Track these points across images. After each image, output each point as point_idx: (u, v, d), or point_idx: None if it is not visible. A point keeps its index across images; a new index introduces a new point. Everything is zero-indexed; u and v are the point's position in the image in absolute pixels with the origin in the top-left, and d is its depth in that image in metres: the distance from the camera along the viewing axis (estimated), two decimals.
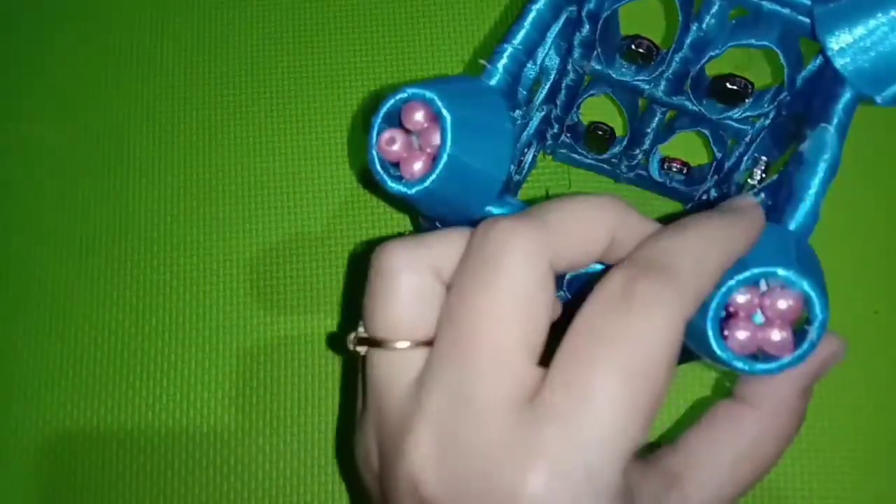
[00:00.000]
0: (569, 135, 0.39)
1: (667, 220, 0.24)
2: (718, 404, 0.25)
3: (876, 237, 0.42)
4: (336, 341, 0.42)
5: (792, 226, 0.25)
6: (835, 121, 0.26)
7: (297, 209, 0.44)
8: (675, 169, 0.39)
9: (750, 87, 0.32)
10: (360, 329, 0.24)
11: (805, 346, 0.22)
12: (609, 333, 0.21)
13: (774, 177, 0.29)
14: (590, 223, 0.23)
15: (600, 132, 0.39)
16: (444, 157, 0.23)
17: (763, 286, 0.22)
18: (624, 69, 0.34)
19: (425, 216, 0.28)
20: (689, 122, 0.35)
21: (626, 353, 0.20)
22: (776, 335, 0.22)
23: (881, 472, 0.39)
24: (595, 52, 0.33)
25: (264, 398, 0.41)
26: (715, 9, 0.30)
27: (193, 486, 0.40)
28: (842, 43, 0.26)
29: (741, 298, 0.22)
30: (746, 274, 0.22)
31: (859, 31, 0.25)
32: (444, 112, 0.23)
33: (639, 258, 0.22)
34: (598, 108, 0.40)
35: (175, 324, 0.42)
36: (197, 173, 0.45)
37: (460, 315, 0.22)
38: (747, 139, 0.34)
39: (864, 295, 0.41)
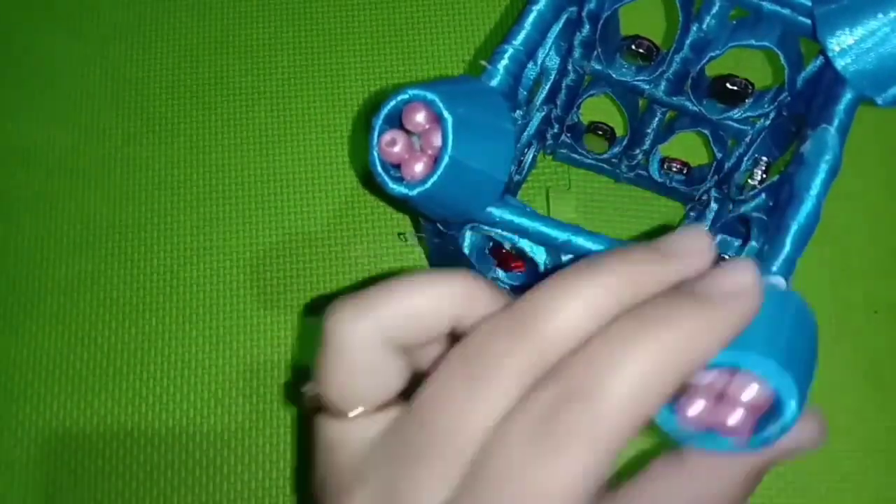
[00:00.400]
0: (569, 135, 0.39)
1: (661, 231, 0.23)
2: (659, 461, 0.22)
3: (876, 237, 0.42)
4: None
5: (793, 226, 0.25)
6: (836, 121, 0.26)
7: (298, 209, 0.44)
8: (674, 169, 0.39)
9: (750, 87, 0.32)
10: (313, 387, 0.23)
11: (758, 440, 0.19)
12: (519, 468, 0.18)
13: (775, 178, 0.28)
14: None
15: (600, 132, 0.39)
16: (446, 159, 0.23)
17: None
18: (624, 69, 0.34)
19: (426, 217, 0.28)
20: (689, 122, 0.35)
21: (537, 492, 0.18)
22: (732, 419, 0.19)
23: (881, 472, 0.39)
24: (595, 53, 0.33)
25: (264, 398, 0.41)
26: (715, 9, 0.30)
27: (193, 485, 0.40)
28: (843, 44, 0.25)
29: (706, 379, 0.19)
30: (720, 359, 0.19)
31: (860, 32, 0.25)
32: (446, 113, 0.23)
33: (572, 373, 0.18)
34: (598, 108, 0.40)
35: (175, 324, 0.42)
36: (197, 173, 0.44)
37: (423, 418, 0.20)
38: (747, 139, 0.34)
39: (864, 295, 0.41)
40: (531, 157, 0.39)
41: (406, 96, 0.23)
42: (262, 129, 0.45)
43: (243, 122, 0.45)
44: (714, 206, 0.37)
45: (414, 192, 0.23)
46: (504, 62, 0.26)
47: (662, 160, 0.39)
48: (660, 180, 0.40)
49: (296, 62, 0.46)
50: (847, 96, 0.26)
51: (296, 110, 0.45)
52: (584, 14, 0.31)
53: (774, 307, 0.20)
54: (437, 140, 0.23)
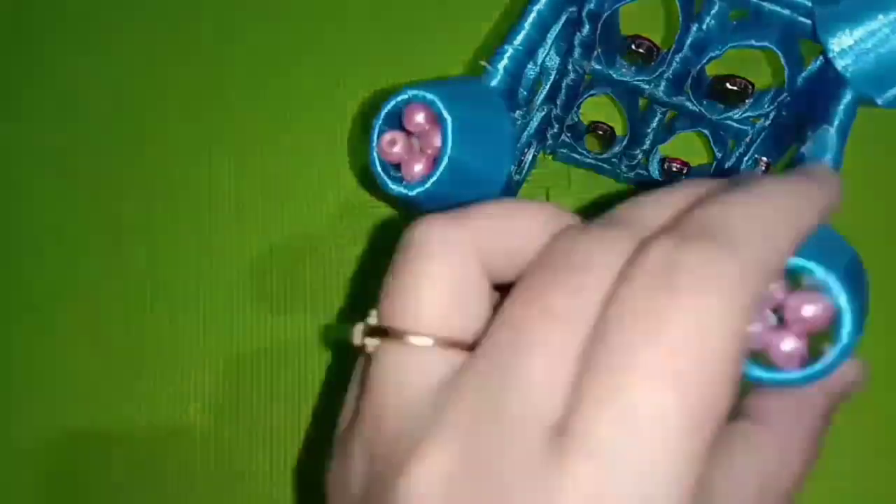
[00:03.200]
0: (569, 134, 0.39)
1: None
2: (729, 427, 0.21)
3: (876, 237, 0.42)
4: (331, 334, 0.41)
5: None
6: (836, 122, 0.26)
7: (297, 211, 0.43)
8: (675, 169, 0.39)
9: (750, 87, 0.32)
10: (372, 317, 0.20)
11: (818, 366, 0.19)
12: (648, 325, 0.16)
13: None
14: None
15: (600, 132, 0.39)
16: (445, 159, 0.23)
17: (794, 282, 0.19)
18: (624, 69, 0.34)
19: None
20: (689, 122, 0.35)
21: (673, 351, 0.16)
22: (788, 344, 0.18)
23: (882, 472, 0.39)
24: (595, 53, 0.33)
25: (264, 398, 0.41)
26: (715, 10, 0.30)
27: (194, 485, 0.40)
28: (843, 44, 0.26)
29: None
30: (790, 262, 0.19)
31: (860, 32, 0.25)
32: (445, 114, 0.23)
33: (685, 223, 0.17)
34: (598, 108, 0.40)
35: (175, 324, 0.42)
36: (197, 175, 0.44)
37: (517, 319, 0.18)
38: (747, 139, 0.34)
39: None
40: (531, 157, 0.39)
41: (406, 97, 0.24)
42: (261, 129, 0.45)
43: (243, 122, 0.45)
44: None
45: (413, 193, 0.23)
46: (504, 62, 0.27)
47: (662, 160, 0.39)
48: (660, 180, 0.40)
49: (295, 63, 0.46)
50: (847, 97, 0.26)
51: (295, 111, 0.45)
52: (584, 14, 0.31)
53: (834, 236, 0.21)
54: (436, 140, 0.23)
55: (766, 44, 0.28)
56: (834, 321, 0.19)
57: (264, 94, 0.46)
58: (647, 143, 0.37)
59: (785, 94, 0.31)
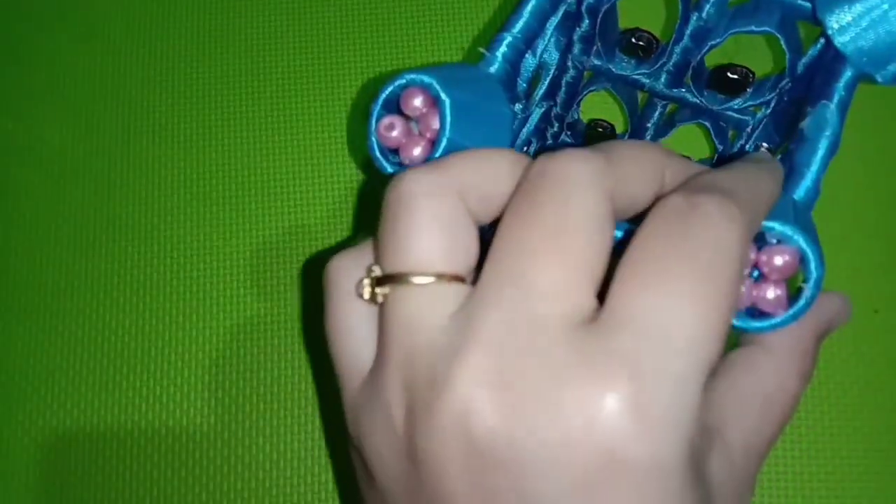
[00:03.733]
0: (569, 132, 0.39)
1: None
2: (731, 354, 0.24)
3: (876, 236, 0.42)
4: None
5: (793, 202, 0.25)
6: (835, 98, 0.26)
7: (298, 205, 0.43)
8: None
9: (751, 75, 0.32)
10: (375, 270, 0.22)
11: (801, 302, 0.22)
12: (681, 239, 0.19)
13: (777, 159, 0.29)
14: (647, 161, 0.22)
15: (601, 129, 0.39)
16: (444, 141, 0.23)
17: (760, 243, 0.22)
18: (624, 63, 0.34)
19: None
20: (689, 114, 0.35)
21: (703, 256, 0.19)
22: (771, 292, 0.22)
23: (882, 472, 0.39)
24: (595, 47, 0.33)
25: (265, 397, 0.41)
26: (711, 2, 0.30)
27: (193, 485, 0.40)
28: (842, 21, 0.26)
29: None
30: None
31: (859, 9, 0.25)
32: (443, 96, 0.23)
33: (694, 183, 0.21)
34: (598, 106, 0.40)
35: (175, 323, 0.42)
36: (196, 172, 0.44)
37: (520, 238, 0.20)
38: (748, 129, 0.34)
39: (864, 294, 0.40)
40: (531, 155, 0.39)
41: (403, 81, 0.24)
42: (260, 126, 0.45)
43: (243, 120, 0.45)
44: None
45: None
46: (502, 49, 0.27)
47: None
48: None
49: (294, 58, 0.46)
50: (847, 73, 0.26)
51: (295, 108, 0.45)
52: (582, 8, 0.31)
53: (782, 198, 0.24)
54: (434, 123, 0.23)
55: (766, 28, 0.28)
56: (802, 262, 0.22)
57: (264, 91, 0.46)
58: (648, 137, 0.37)
59: (786, 80, 0.31)
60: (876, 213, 0.43)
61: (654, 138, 0.37)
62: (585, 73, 0.35)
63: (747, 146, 0.34)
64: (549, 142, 0.40)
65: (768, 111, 0.33)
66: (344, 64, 0.46)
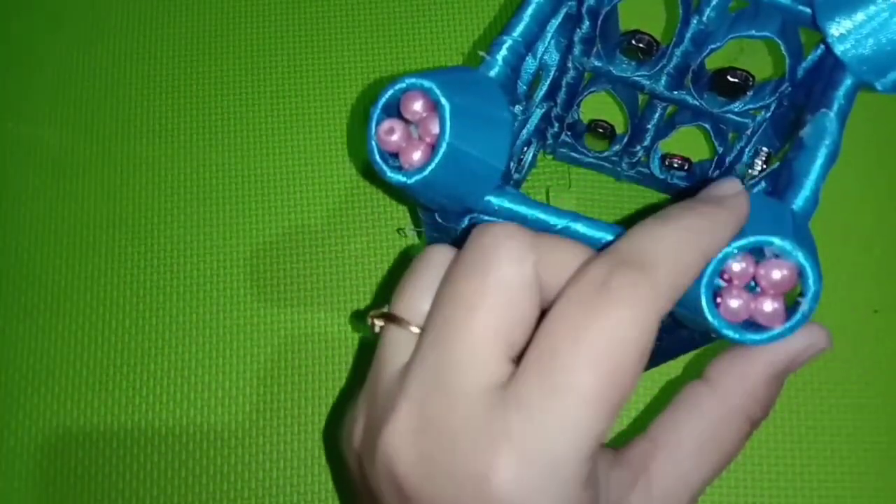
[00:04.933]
0: (569, 133, 0.39)
1: (648, 212, 0.24)
2: (684, 387, 0.25)
3: (876, 236, 0.42)
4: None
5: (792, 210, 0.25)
6: (835, 106, 0.26)
7: (297, 206, 0.43)
8: (676, 165, 0.39)
9: (751, 79, 0.32)
10: (386, 307, 0.25)
11: (797, 317, 0.22)
12: (582, 326, 0.21)
13: (775, 165, 0.28)
14: (572, 245, 0.23)
15: (601, 130, 0.39)
16: (443, 146, 0.23)
17: (759, 256, 0.22)
18: (624, 65, 0.34)
19: (424, 207, 0.28)
20: (689, 116, 0.35)
21: (597, 347, 0.20)
22: (768, 305, 0.22)
23: (882, 472, 0.39)
24: (595, 49, 0.33)
25: (264, 397, 0.41)
26: (715, 1, 0.30)
27: (193, 485, 0.40)
28: (842, 29, 0.26)
29: (736, 266, 0.22)
30: (743, 241, 0.22)
31: (859, 17, 0.25)
32: (443, 101, 0.23)
33: (616, 250, 0.22)
34: (598, 106, 0.40)
35: (175, 323, 0.42)
36: (197, 172, 0.44)
37: (446, 303, 0.23)
38: (748, 132, 0.34)
39: (864, 295, 0.41)
40: (531, 155, 0.39)
41: (403, 85, 0.23)
42: (260, 126, 0.45)
43: (243, 120, 0.45)
44: None
45: (412, 180, 0.23)
46: (502, 53, 0.26)
47: (663, 156, 0.39)
48: (661, 177, 0.40)
49: (293, 59, 0.46)
50: (847, 82, 0.26)
51: (295, 108, 0.45)
52: (583, 10, 0.31)
53: (777, 209, 0.24)
54: (434, 128, 0.23)
55: (766, 34, 0.28)
56: (800, 276, 0.22)
57: (264, 92, 0.46)
58: (648, 139, 0.37)
59: (786, 85, 0.30)
60: (875, 214, 0.43)
61: (655, 139, 0.37)
62: (586, 74, 0.35)
63: (747, 150, 0.34)
64: (550, 141, 0.40)
65: (768, 115, 0.33)
66: (344, 64, 0.46)
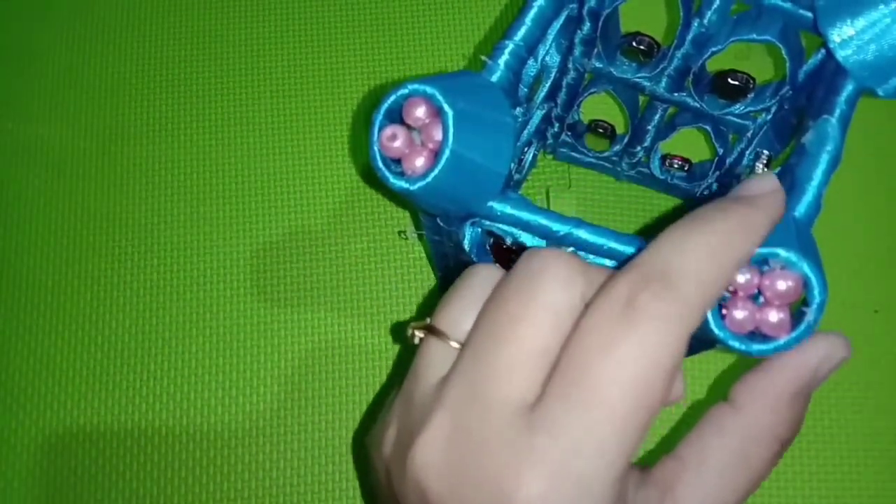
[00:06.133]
0: (569, 133, 0.39)
1: (672, 216, 0.24)
2: (710, 408, 0.25)
3: (875, 236, 0.42)
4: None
5: (794, 217, 0.25)
6: (837, 112, 0.26)
7: (298, 207, 0.43)
8: (676, 166, 0.39)
9: (752, 82, 0.32)
10: (428, 320, 0.26)
11: (802, 327, 0.22)
12: (610, 346, 0.21)
13: (776, 170, 0.28)
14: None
15: (601, 130, 0.39)
16: (447, 153, 0.23)
17: (763, 266, 0.22)
18: (625, 66, 0.34)
19: (427, 213, 0.28)
20: (690, 118, 0.35)
21: (626, 367, 0.20)
22: (774, 316, 0.22)
23: (882, 472, 0.39)
24: (596, 50, 0.33)
25: (264, 397, 0.41)
26: (716, 5, 0.30)
27: (193, 485, 0.40)
28: (844, 35, 0.26)
29: (741, 278, 0.22)
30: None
31: (861, 23, 0.25)
32: (446, 107, 0.23)
33: (643, 264, 0.22)
34: (598, 106, 0.40)
35: (175, 323, 0.42)
36: (197, 173, 0.44)
37: (491, 318, 0.23)
38: (749, 134, 0.34)
39: (864, 295, 0.41)
40: (531, 155, 0.39)
41: (406, 91, 0.23)
42: (261, 127, 0.45)
43: (243, 120, 0.45)
44: None
45: (415, 187, 0.23)
46: (504, 58, 0.26)
47: (663, 157, 0.39)
48: (661, 177, 0.40)
49: (295, 59, 0.46)
50: (848, 87, 0.26)
51: (296, 108, 0.45)
52: (584, 12, 0.31)
53: (784, 220, 0.23)
54: (437, 134, 0.23)
55: (767, 38, 0.28)
56: (805, 287, 0.22)
57: (264, 92, 0.46)
58: (649, 140, 0.37)
59: (787, 88, 0.30)
60: (875, 214, 0.43)
61: (655, 140, 0.37)
62: (586, 75, 0.35)
63: (747, 152, 0.34)
64: (550, 141, 0.40)
65: (769, 117, 0.33)
66: (345, 64, 0.46)
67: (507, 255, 0.29)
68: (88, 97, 0.46)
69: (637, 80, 0.34)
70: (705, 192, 0.39)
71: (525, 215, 0.25)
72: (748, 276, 0.22)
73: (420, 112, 0.23)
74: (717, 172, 0.37)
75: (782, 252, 0.22)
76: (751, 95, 0.33)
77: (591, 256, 0.25)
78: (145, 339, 0.42)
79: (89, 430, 0.40)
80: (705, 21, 0.30)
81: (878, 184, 0.43)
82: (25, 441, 0.40)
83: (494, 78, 0.26)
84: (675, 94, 0.34)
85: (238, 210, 0.44)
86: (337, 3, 0.47)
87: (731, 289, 0.22)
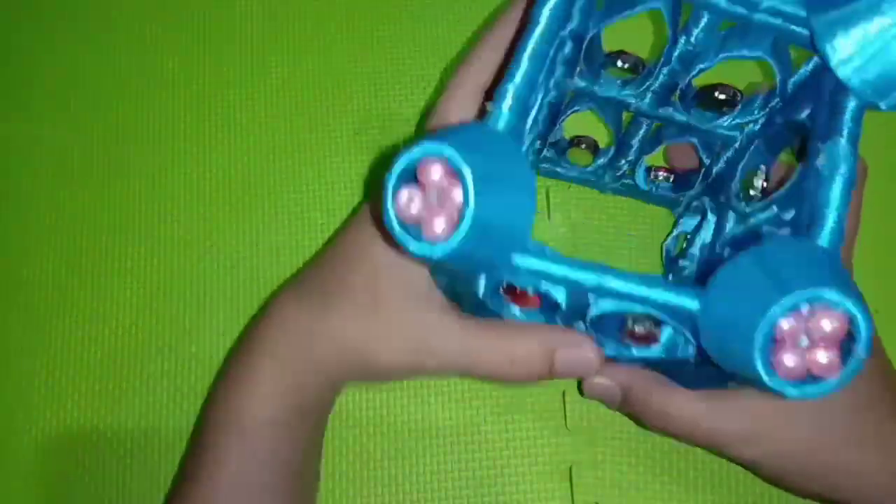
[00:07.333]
0: (551, 149, 0.38)
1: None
2: None
3: (875, 236, 0.42)
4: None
5: (821, 243, 0.25)
6: (845, 132, 0.25)
7: (298, 207, 0.43)
8: (661, 177, 0.39)
9: (739, 95, 0.32)
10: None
11: (852, 364, 0.22)
12: None
13: (782, 191, 0.28)
14: None
15: (584, 146, 0.38)
16: (469, 217, 0.21)
17: (805, 308, 0.22)
18: (609, 85, 0.33)
19: (440, 270, 0.27)
20: (676, 131, 0.35)
21: None
22: (823, 356, 0.22)
23: None
24: (578, 69, 0.32)
25: None
26: (704, 22, 0.29)
27: None
28: (843, 53, 0.25)
29: (786, 325, 0.22)
30: (791, 300, 0.21)
31: (860, 40, 0.25)
32: (465, 170, 0.21)
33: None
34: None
35: (175, 323, 0.42)
36: (197, 172, 0.44)
37: None
38: (737, 145, 0.34)
39: (864, 295, 0.40)
40: None
41: (419, 153, 0.22)
42: (260, 126, 0.45)
43: (243, 120, 0.45)
44: (711, 216, 0.36)
45: (437, 253, 0.22)
46: (508, 102, 0.25)
47: (648, 168, 0.39)
48: (645, 188, 0.39)
49: (296, 60, 0.46)
50: (852, 105, 0.26)
51: (296, 109, 0.45)
52: (565, 33, 0.29)
53: (813, 254, 0.24)
54: (456, 195, 0.22)
55: (758, 54, 0.28)
56: (851, 323, 0.22)
57: (264, 92, 0.46)
58: (633, 154, 0.37)
59: (776, 100, 0.30)
60: (875, 214, 0.42)
61: (640, 154, 0.37)
62: (569, 92, 0.34)
63: (740, 166, 0.34)
64: (532, 158, 0.39)
65: (757, 127, 0.32)
66: (345, 64, 0.46)
67: (522, 295, 0.28)
68: (88, 97, 0.46)
69: (622, 97, 0.33)
70: (694, 203, 0.39)
71: (551, 269, 0.25)
72: (793, 321, 0.22)
73: (436, 174, 0.22)
74: (704, 182, 0.37)
75: (826, 294, 0.21)
76: (738, 108, 0.32)
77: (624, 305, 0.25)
78: (145, 339, 0.42)
79: (89, 430, 0.40)
80: (692, 39, 0.30)
81: (877, 184, 0.43)
82: (25, 441, 0.40)
83: (501, 125, 0.25)
84: (661, 110, 0.33)
85: (238, 210, 0.44)
86: (337, 3, 0.47)
87: (778, 337, 0.22)
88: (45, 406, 0.41)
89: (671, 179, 0.39)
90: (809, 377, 0.22)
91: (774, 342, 0.22)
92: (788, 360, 0.22)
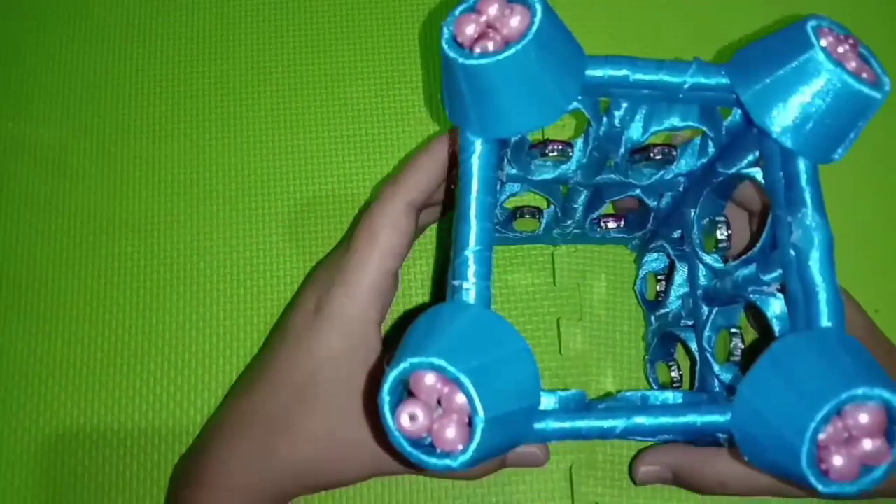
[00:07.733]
0: (497, 226, 0.38)
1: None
2: None
3: (875, 237, 0.42)
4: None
5: (823, 322, 0.24)
6: (808, 200, 0.25)
7: (298, 207, 0.43)
8: (610, 226, 0.39)
9: (673, 150, 0.31)
10: None
11: None
12: None
13: (756, 251, 0.27)
14: None
15: (528, 216, 0.37)
16: (481, 424, 0.21)
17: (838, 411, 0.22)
18: (542, 169, 0.33)
19: None
20: (617, 190, 0.34)
21: None
22: (869, 445, 0.22)
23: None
24: (507, 161, 0.31)
25: None
26: (624, 107, 0.28)
27: None
28: (782, 123, 0.25)
29: (825, 434, 0.22)
30: (825, 411, 0.21)
31: (795, 108, 0.25)
32: (463, 378, 0.21)
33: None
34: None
35: (175, 323, 0.42)
36: (197, 173, 0.44)
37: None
38: (681, 188, 0.34)
39: (864, 295, 0.40)
40: None
41: (407, 366, 0.21)
42: (260, 126, 0.45)
43: (243, 120, 0.45)
44: (681, 266, 0.36)
45: (458, 463, 0.21)
46: (471, 269, 0.24)
47: (595, 220, 0.38)
48: (597, 237, 0.39)
49: (296, 60, 0.47)
50: (804, 167, 0.25)
51: (296, 109, 0.46)
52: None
53: (827, 346, 0.23)
54: (459, 398, 0.21)
55: (689, 123, 0.27)
56: (887, 406, 0.22)
57: (264, 92, 0.46)
58: (578, 215, 0.36)
59: (714, 152, 0.30)
60: (875, 214, 0.43)
61: (585, 214, 0.36)
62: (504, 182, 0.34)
63: (694, 216, 0.33)
64: None
65: (697, 171, 0.32)
66: (344, 64, 0.46)
67: None
68: (88, 97, 0.46)
69: (556, 177, 0.33)
70: (653, 244, 0.38)
71: (578, 425, 0.24)
72: (831, 428, 0.22)
73: (430, 382, 0.21)
74: (655, 223, 0.37)
75: (859, 392, 0.21)
76: (675, 165, 0.32)
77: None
78: (145, 339, 0.42)
79: (89, 430, 0.41)
80: (616, 122, 0.29)
81: (876, 183, 0.43)
82: (25, 441, 0.40)
83: (473, 297, 0.24)
84: (598, 178, 0.33)
85: (238, 210, 0.44)
86: (337, 3, 0.47)
87: (821, 443, 0.22)
88: (45, 406, 0.41)
89: (621, 226, 0.38)
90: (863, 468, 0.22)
91: (818, 448, 0.22)
92: (837, 460, 0.21)
